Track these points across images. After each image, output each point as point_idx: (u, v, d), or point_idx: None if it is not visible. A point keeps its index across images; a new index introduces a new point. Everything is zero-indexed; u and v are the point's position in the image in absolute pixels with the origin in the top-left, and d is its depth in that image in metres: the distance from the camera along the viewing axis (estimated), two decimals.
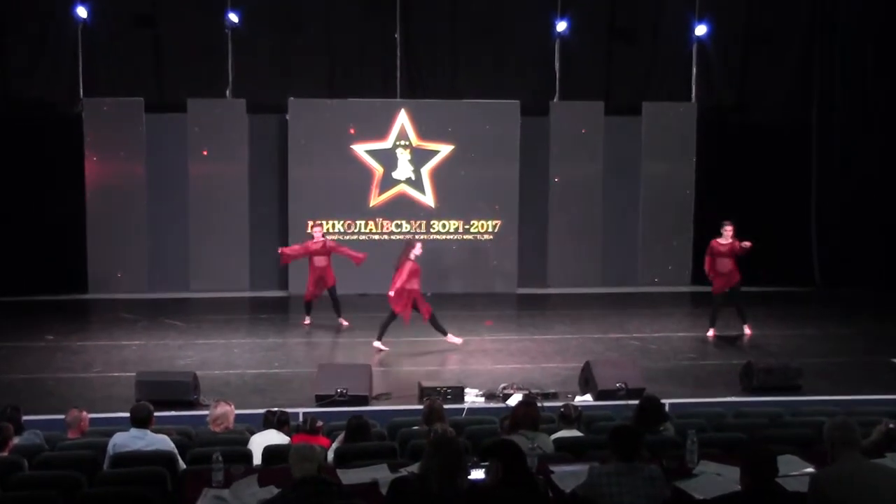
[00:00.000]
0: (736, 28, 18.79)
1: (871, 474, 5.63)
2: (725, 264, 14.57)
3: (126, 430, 7.91)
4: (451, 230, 18.17)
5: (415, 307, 13.68)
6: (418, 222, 18.10)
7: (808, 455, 6.84)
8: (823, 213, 18.81)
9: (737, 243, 14.43)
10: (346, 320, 15.17)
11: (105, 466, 7.55)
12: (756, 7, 18.80)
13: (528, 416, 7.78)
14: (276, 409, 9.05)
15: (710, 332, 14.81)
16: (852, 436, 5.69)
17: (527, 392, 11.15)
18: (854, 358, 13.66)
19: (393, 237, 17.85)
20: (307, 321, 15.37)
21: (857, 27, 18.51)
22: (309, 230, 15.64)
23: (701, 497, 6.13)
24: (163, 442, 7.81)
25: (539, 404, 10.46)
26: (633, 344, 14.46)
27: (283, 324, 15.76)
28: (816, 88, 18.64)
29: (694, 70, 18.81)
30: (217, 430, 8.74)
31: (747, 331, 14.86)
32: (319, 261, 14.98)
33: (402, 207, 18.04)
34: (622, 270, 18.74)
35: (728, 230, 14.52)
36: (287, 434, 8.50)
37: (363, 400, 11.02)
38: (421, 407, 9.05)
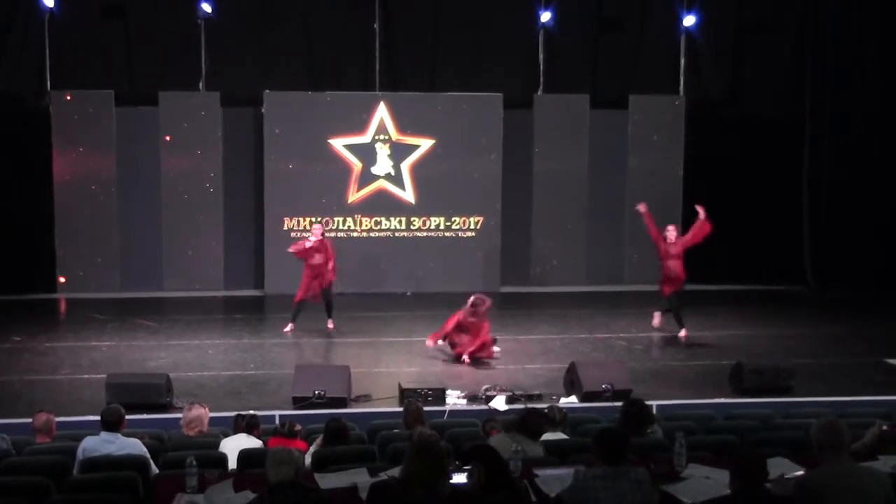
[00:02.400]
0: (726, 19, 18.67)
1: (858, 478, 5.61)
2: (675, 267, 14.34)
3: (96, 433, 7.77)
4: (433, 227, 17.90)
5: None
6: (398, 219, 17.87)
7: (799, 458, 6.77)
8: (816, 210, 18.71)
9: (688, 235, 14.34)
10: (333, 323, 14.77)
11: (74, 472, 7.42)
12: None
13: (534, 424, 7.61)
14: (245, 412, 8.96)
15: (682, 333, 14.57)
16: (840, 438, 5.66)
17: (510, 394, 11.11)
18: (847, 358, 13.50)
19: (372, 234, 17.66)
20: (290, 328, 14.67)
21: (850, 18, 18.37)
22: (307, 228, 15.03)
23: (690, 501, 6.06)
24: (134, 446, 7.68)
25: (523, 406, 10.26)
26: (620, 344, 14.29)
27: (259, 324, 15.56)
28: (809, 81, 18.54)
29: (682, 62, 18.69)
30: (191, 433, 8.61)
31: (683, 333, 14.62)
32: (318, 258, 14.38)
33: (382, 204, 17.83)
34: (608, 268, 18.50)
35: (671, 232, 14.32)
36: (258, 437, 8.39)
37: (342, 402, 10.86)
38: (401, 409, 9.04)
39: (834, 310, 16.72)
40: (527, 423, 7.62)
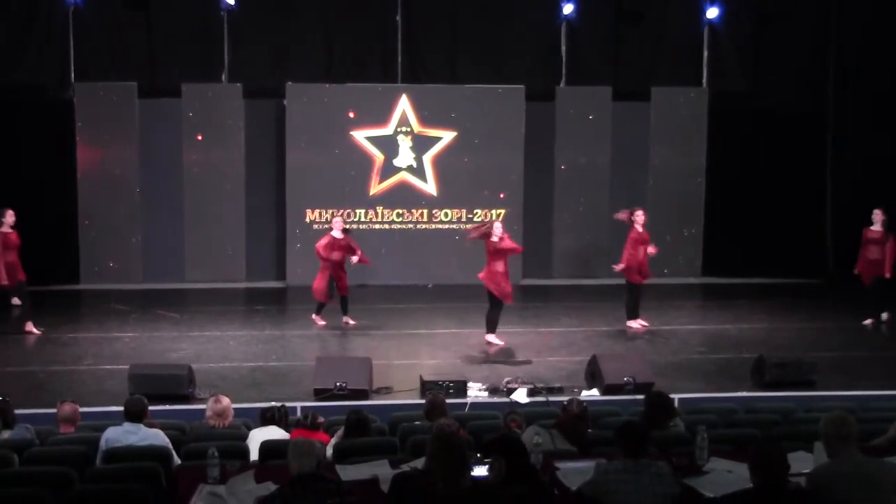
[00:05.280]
0: (748, 10, 18.50)
1: (869, 469, 5.65)
2: (639, 254, 14.45)
3: (119, 424, 7.82)
4: (454, 219, 17.86)
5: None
6: (420, 211, 17.82)
7: None
8: (839, 202, 18.51)
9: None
10: (353, 319, 14.66)
11: (97, 462, 7.45)
12: None
13: (576, 428, 7.48)
14: (275, 403, 8.98)
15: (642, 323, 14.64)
16: (847, 431, 5.69)
17: (531, 386, 11.07)
18: (870, 352, 13.41)
19: (394, 226, 17.66)
20: (323, 322, 14.56)
21: (874, 8, 18.08)
22: (329, 222, 14.81)
23: (711, 495, 6.04)
24: (156, 437, 7.72)
25: (544, 399, 10.24)
26: (642, 337, 14.20)
27: (281, 316, 15.59)
28: (832, 73, 18.38)
29: (705, 54, 18.55)
30: (221, 424, 8.56)
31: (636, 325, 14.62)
32: (338, 255, 14.27)
33: (404, 196, 17.82)
34: None
35: (640, 216, 14.45)
36: (286, 429, 8.41)
37: (363, 394, 10.88)
38: (422, 401, 9.04)
39: (857, 302, 16.51)
40: (567, 425, 7.44)
